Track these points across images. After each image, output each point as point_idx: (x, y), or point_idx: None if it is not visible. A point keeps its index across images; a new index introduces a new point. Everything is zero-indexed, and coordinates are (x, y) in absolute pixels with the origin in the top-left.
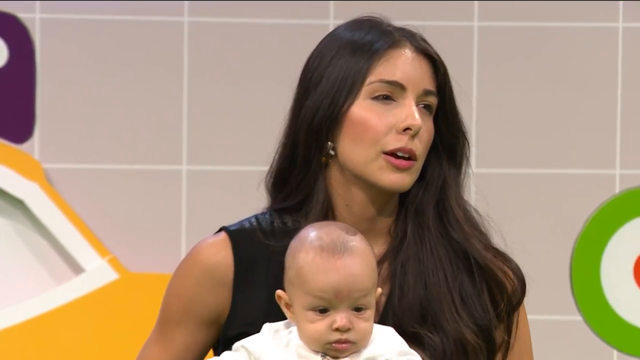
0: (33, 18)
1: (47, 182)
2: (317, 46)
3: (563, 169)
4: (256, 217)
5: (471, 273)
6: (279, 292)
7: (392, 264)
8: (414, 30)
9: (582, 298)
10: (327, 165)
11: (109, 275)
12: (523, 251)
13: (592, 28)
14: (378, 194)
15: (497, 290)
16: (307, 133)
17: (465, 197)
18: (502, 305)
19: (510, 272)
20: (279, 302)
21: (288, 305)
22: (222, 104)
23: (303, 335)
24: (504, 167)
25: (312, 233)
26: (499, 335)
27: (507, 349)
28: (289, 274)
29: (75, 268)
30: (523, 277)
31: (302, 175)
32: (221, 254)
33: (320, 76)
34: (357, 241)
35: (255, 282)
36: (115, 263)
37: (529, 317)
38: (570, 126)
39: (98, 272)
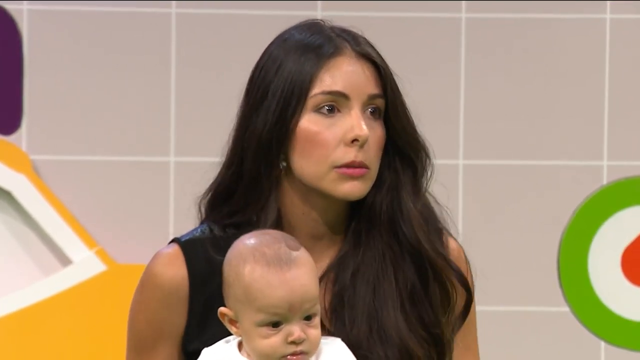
0: (21, 9)
1: (35, 173)
2: (261, 57)
3: (551, 161)
4: (208, 225)
5: (423, 276)
6: (221, 309)
7: (346, 269)
8: (358, 32)
9: (570, 289)
10: (278, 177)
11: (97, 266)
12: (511, 242)
13: (580, 20)
14: (335, 201)
15: (448, 290)
16: (256, 150)
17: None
18: (454, 304)
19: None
20: (222, 320)
21: (233, 322)
22: (209, 95)
23: (254, 351)
24: (492, 159)
25: (251, 246)
26: (448, 331)
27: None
28: (235, 291)
29: (63, 260)
30: (465, 280)
31: (250, 192)
32: (178, 271)
33: (265, 92)
34: (298, 249)
35: (211, 293)
36: (102, 254)
37: (516, 308)
38: (558, 118)
39: (86, 263)
